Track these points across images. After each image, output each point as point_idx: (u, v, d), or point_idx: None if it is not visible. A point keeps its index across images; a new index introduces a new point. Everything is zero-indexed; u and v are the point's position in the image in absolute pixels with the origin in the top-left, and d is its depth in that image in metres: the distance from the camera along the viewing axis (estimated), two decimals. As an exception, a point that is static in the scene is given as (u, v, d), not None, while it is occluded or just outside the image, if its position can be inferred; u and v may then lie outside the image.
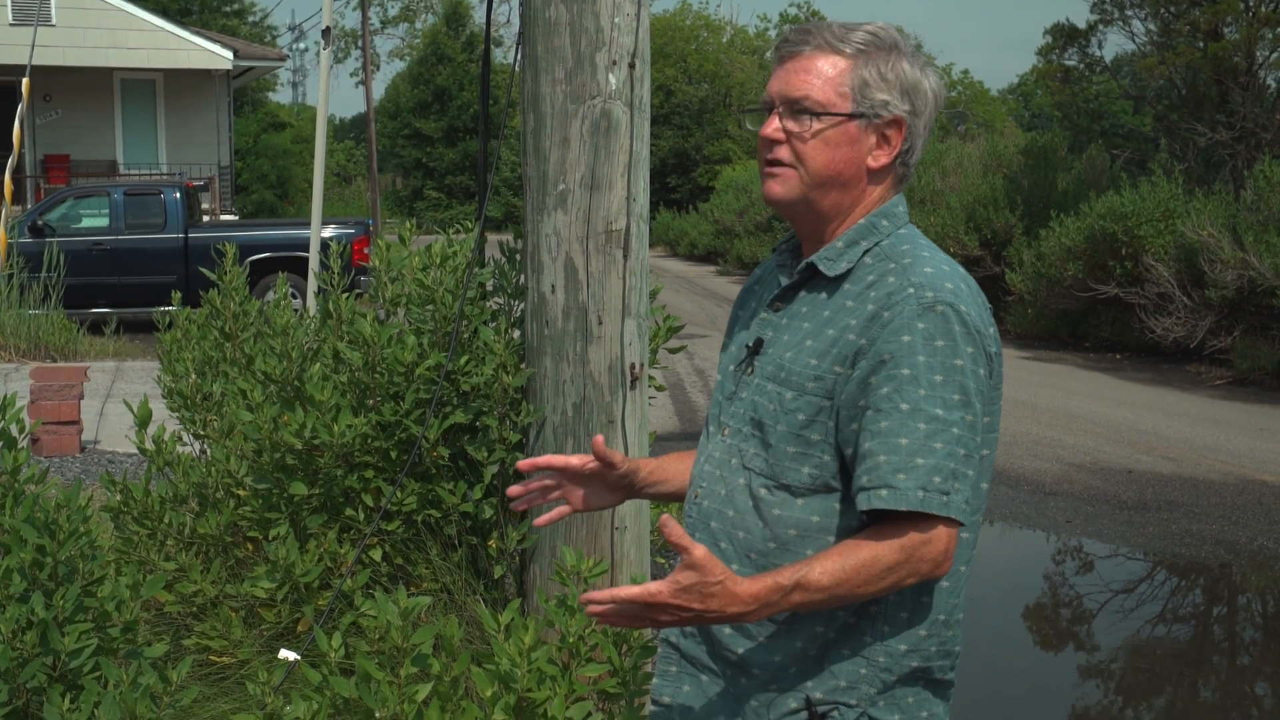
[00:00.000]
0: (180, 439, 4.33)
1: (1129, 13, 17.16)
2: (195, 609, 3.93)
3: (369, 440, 3.98)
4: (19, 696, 2.79)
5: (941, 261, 1.75)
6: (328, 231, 13.37)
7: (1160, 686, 5.27)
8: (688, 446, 2.08)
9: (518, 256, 4.03)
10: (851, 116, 1.75)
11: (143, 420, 4.05)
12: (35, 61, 12.76)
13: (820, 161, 1.76)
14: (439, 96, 44.51)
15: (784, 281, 1.84)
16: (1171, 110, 17.09)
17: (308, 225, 9.83)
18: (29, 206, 19.26)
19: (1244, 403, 11.11)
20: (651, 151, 4.12)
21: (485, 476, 3.92)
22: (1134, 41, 17.62)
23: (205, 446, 4.92)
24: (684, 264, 28.96)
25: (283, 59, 27.84)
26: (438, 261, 4.25)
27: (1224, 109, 15.92)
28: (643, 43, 3.66)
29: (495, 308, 4.17)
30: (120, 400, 8.34)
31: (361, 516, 3.99)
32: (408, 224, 4.72)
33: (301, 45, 54.77)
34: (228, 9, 40.48)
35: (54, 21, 20.88)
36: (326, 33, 7.66)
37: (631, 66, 3.63)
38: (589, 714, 2.73)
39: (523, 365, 3.86)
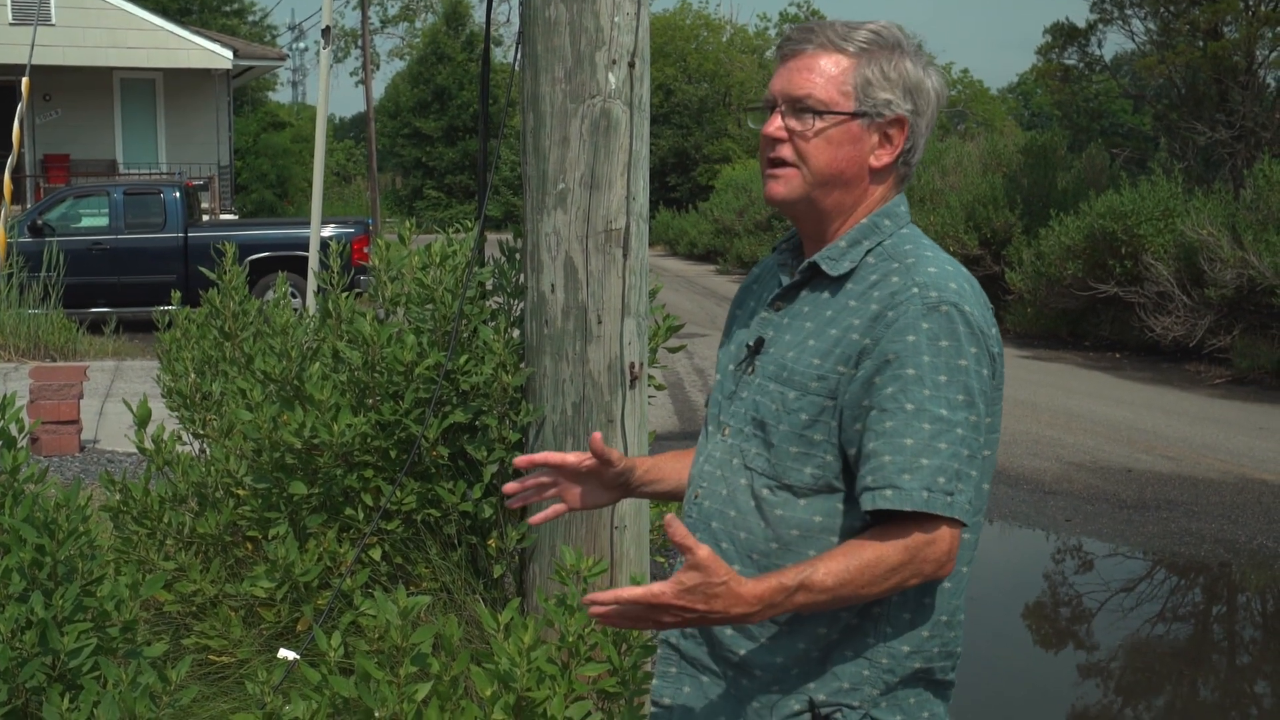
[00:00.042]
0: (180, 438, 4.33)
1: (1129, 12, 17.17)
2: (194, 608, 3.92)
3: (368, 439, 3.97)
4: (18, 696, 2.79)
5: (945, 261, 1.74)
6: (327, 231, 13.34)
7: (1160, 686, 5.27)
8: (687, 446, 2.07)
9: (517, 256, 4.02)
10: (854, 115, 1.75)
11: (142, 420, 4.05)
12: (35, 61, 12.74)
13: (823, 160, 1.76)
14: (439, 96, 44.49)
15: (785, 280, 1.84)
16: (1171, 109, 17.09)
17: (307, 224, 9.82)
18: (29, 206, 19.24)
19: (1243, 401, 11.10)
20: (651, 151, 4.11)
21: (485, 476, 3.91)
22: (1134, 40, 17.65)
23: (205, 446, 4.92)
24: (683, 263, 28.95)
25: (282, 58, 27.83)
26: (437, 261, 4.24)
27: (1224, 108, 15.92)
28: (642, 42, 3.66)
29: (495, 307, 4.16)
30: (120, 400, 8.34)
31: (361, 516, 3.98)
32: (407, 223, 4.71)
33: (301, 44, 54.69)
34: (227, 8, 40.46)
35: (54, 21, 20.86)
36: (326, 32, 7.65)
37: (631, 66, 3.63)
38: (588, 713, 2.72)
39: (522, 364, 3.85)
